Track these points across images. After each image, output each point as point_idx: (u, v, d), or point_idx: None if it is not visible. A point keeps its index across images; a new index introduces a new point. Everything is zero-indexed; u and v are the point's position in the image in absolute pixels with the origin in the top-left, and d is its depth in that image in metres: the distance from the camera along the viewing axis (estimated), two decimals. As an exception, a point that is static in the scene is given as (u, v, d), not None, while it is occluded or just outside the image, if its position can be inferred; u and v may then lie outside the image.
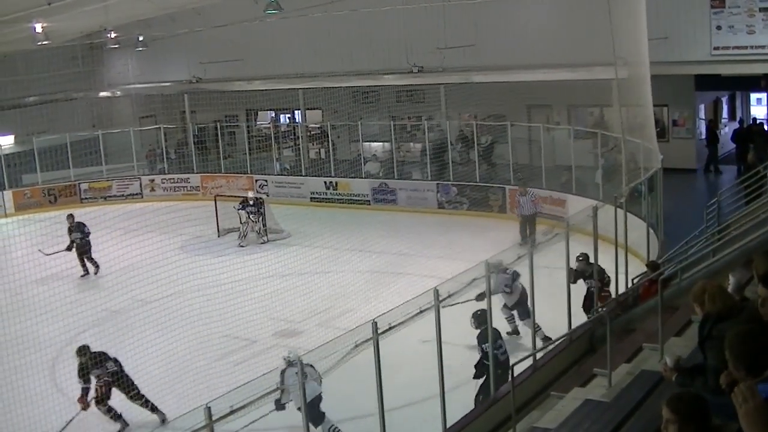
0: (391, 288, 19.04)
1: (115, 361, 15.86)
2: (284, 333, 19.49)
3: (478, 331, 15.23)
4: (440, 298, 12.34)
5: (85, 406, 15.50)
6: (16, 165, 38.81)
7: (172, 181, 37.94)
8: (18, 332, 18.59)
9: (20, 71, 39.35)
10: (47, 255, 23.47)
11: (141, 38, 39.15)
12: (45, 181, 38.51)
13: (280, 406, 14.28)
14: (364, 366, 11.66)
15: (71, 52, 41.63)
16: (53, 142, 38.70)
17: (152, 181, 38.12)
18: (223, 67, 38.59)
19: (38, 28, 32.02)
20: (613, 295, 16.99)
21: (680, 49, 28.96)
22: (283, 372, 15.14)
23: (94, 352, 15.77)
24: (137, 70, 42.68)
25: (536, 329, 16.24)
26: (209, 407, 9.86)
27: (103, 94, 43.27)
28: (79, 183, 38.20)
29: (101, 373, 15.58)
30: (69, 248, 26.26)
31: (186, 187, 37.50)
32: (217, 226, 29.63)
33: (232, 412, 12.14)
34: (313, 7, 32.73)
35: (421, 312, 12.49)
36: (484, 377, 14.58)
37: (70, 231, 26.47)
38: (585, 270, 17.49)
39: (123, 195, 37.78)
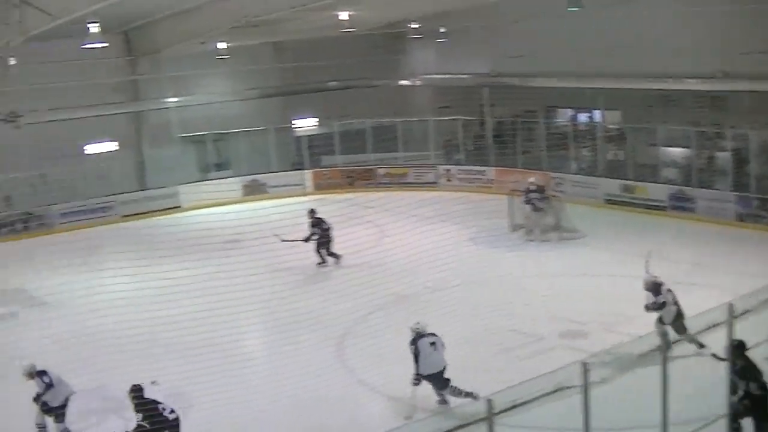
0: (682, 298, 18.34)
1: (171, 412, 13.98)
2: (569, 333, 19.14)
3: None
4: (734, 314, 11.78)
5: None
6: (318, 147, 40.18)
7: (467, 172, 38.12)
8: (309, 307, 19.13)
9: (325, 57, 40.54)
10: (283, 241, 23.88)
11: (442, 30, 39.56)
12: (344, 164, 39.65)
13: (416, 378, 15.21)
14: (648, 376, 11.28)
15: (373, 40, 42.55)
16: (353, 127, 39.78)
17: (448, 171, 38.45)
18: (523, 61, 38.31)
19: (344, 15, 32.95)
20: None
21: None
22: (414, 341, 15.45)
23: (147, 400, 14.11)
24: (437, 60, 43.19)
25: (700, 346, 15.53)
26: (490, 399, 9.75)
27: (403, 82, 43.97)
28: (377, 168, 39.08)
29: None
30: (306, 240, 26.13)
31: (481, 179, 37.61)
32: (510, 220, 29.48)
33: (513, 407, 12.01)
34: (615, 6, 32.06)
35: (714, 326, 11.99)
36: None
37: (312, 225, 26.41)
38: None
39: (418, 183, 38.33)
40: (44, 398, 14.56)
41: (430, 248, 21.44)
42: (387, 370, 16.68)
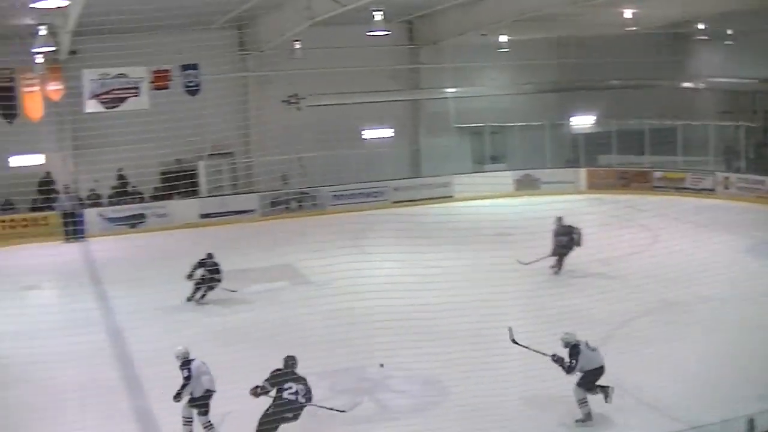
0: None
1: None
2: None
3: None
4: None
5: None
6: (594, 145, 39.68)
7: (747, 181, 36.61)
8: (575, 306, 18.90)
9: (606, 54, 39.94)
10: (526, 265, 22.93)
11: (729, 32, 38.24)
12: (619, 164, 38.97)
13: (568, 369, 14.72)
14: None
15: (657, 40, 41.67)
16: (631, 127, 39.07)
17: (727, 178, 37.06)
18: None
19: (627, 13, 32.40)
20: None
21: None
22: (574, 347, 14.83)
23: (283, 372, 14.14)
24: (722, 64, 41.78)
25: None
26: (752, 419, 9.35)
27: (685, 84, 42.74)
28: (653, 170, 38.17)
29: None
30: (553, 253, 24.22)
31: (761, 189, 36.05)
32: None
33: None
34: None
35: None
36: None
37: (556, 234, 24.32)
38: None
39: (696, 189, 37.16)
40: (184, 390, 14.28)
41: (704, 257, 20.84)
42: (646, 376, 16.30)
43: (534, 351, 15.27)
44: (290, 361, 14.25)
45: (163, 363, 15.50)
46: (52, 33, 26.97)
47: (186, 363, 14.26)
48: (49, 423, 13.90)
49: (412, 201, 36.75)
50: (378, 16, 27.53)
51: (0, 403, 14.65)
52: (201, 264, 22.74)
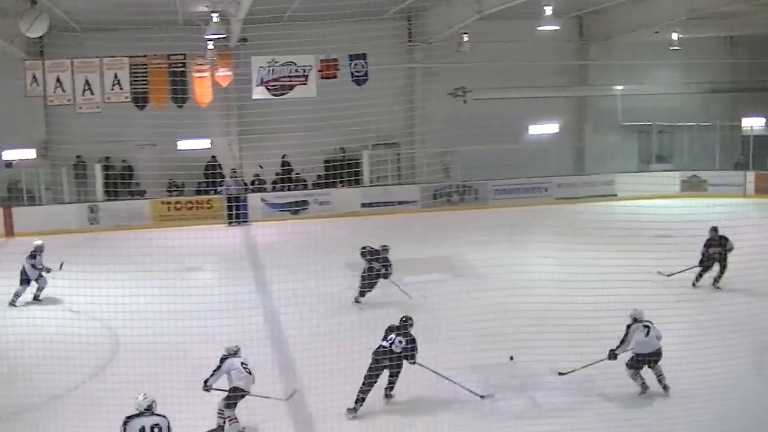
0: None
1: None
2: None
3: None
4: None
5: None
6: (764, 148, 38.54)
7: None
8: (732, 314, 18.40)
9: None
10: (668, 276, 22.16)
11: None
12: (789, 168, 37.84)
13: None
14: None
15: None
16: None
17: None
18: None
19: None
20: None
21: None
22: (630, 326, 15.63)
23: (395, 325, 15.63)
24: None
25: None
26: None
27: None
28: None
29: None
30: (701, 264, 22.89)
31: None
32: None
33: None
34: None
35: None
36: None
37: (708, 245, 22.98)
38: None
39: None
40: (209, 380, 14.52)
41: None
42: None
43: (592, 364, 15.77)
44: (403, 318, 15.70)
45: (317, 348, 15.76)
46: (224, 20, 27.59)
47: (224, 358, 14.59)
48: (206, 401, 14.24)
49: (574, 198, 36.29)
50: (548, 10, 27.36)
51: (160, 378, 15.03)
52: (373, 252, 22.18)
